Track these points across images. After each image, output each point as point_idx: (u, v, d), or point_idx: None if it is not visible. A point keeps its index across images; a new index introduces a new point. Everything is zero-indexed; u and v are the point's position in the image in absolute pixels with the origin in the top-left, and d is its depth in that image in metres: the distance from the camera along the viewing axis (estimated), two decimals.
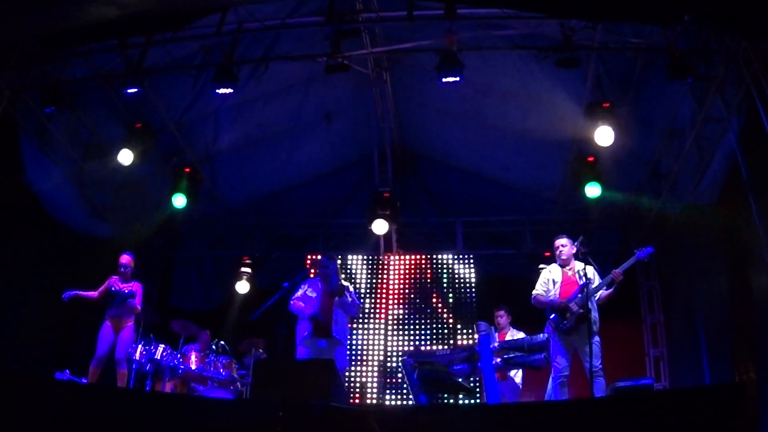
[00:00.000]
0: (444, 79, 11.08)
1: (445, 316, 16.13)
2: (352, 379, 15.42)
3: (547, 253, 12.80)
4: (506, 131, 14.89)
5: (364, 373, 15.61)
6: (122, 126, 12.94)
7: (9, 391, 7.30)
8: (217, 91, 11.51)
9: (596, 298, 9.54)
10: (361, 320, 15.91)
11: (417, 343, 15.86)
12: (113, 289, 11.48)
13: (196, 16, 10.78)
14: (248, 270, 16.70)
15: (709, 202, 11.81)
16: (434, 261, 16.74)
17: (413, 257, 16.87)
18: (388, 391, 15.39)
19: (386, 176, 15.52)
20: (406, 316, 16.27)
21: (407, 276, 16.74)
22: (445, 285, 16.45)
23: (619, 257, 10.00)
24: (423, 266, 16.74)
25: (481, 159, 16.29)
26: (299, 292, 11.03)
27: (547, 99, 13.29)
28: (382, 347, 15.92)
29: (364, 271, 16.82)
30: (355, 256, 16.86)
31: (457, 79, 11.04)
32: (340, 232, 17.54)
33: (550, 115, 13.65)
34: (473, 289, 16.25)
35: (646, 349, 15.10)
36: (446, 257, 16.73)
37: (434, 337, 15.89)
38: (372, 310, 16.17)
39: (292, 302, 10.95)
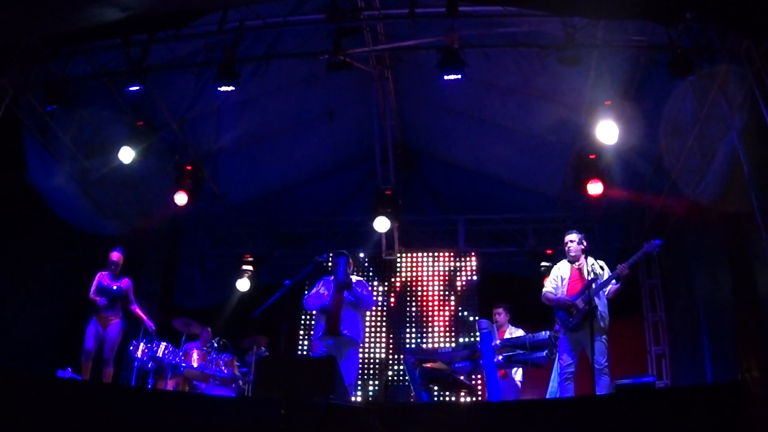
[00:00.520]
0: (446, 77, 11.08)
1: (447, 313, 16.13)
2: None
3: (549, 251, 12.84)
4: (508, 129, 14.90)
5: (366, 371, 15.61)
6: (125, 124, 12.93)
7: (13, 389, 7.31)
8: (219, 89, 11.51)
9: (606, 293, 9.54)
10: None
11: (419, 340, 15.87)
12: (102, 285, 11.53)
13: (199, 14, 10.78)
14: (250, 268, 16.70)
15: (711, 199, 11.80)
16: (436, 259, 16.74)
17: (415, 255, 16.87)
18: (390, 389, 15.39)
19: (388, 174, 15.52)
20: (408, 314, 16.27)
21: (409, 274, 16.75)
22: (447, 283, 16.46)
23: (621, 255, 10.01)
24: (425, 264, 16.73)
25: (483, 157, 16.29)
26: (314, 290, 11.07)
27: (549, 97, 13.31)
28: (384, 345, 15.93)
29: (367, 269, 16.82)
30: (357, 254, 16.84)
31: (459, 76, 11.05)
32: (342, 230, 17.53)
33: (552, 113, 13.66)
34: (475, 287, 16.26)
35: (648, 347, 15.10)
36: (448, 255, 16.73)
37: (436, 335, 15.89)
38: (374, 308, 16.16)
39: (305, 300, 11.03)
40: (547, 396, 10.64)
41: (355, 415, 7.21)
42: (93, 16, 8.77)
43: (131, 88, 11.84)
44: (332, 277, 11.05)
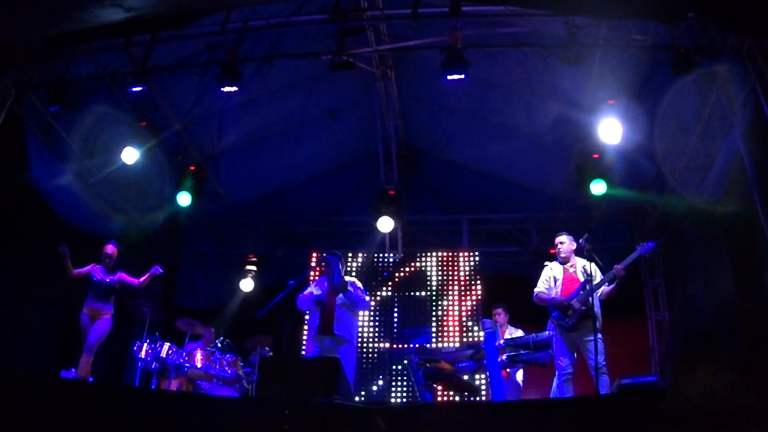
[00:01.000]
0: (449, 77, 11.08)
1: (450, 313, 16.13)
2: (358, 376, 15.45)
3: (553, 251, 12.84)
4: (511, 128, 14.92)
5: (369, 371, 15.60)
6: (127, 124, 12.94)
7: (17, 389, 7.33)
8: (222, 89, 11.50)
9: (598, 295, 9.56)
10: (366, 318, 15.91)
11: (422, 340, 15.86)
12: (95, 278, 11.54)
13: (201, 15, 10.80)
14: (253, 268, 16.69)
15: (713, 198, 11.80)
16: (439, 258, 16.73)
17: (418, 255, 16.87)
18: (393, 389, 15.39)
19: (391, 174, 15.53)
20: (412, 314, 16.27)
21: (412, 274, 16.75)
22: (449, 282, 16.44)
23: (624, 254, 9.98)
24: (427, 264, 16.73)
25: (486, 156, 16.29)
26: (306, 291, 11.09)
27: (552, 96, 13.32)
28: (387, 345, 15.93)
29: (369, 269, 16.81)
30: (359, 254, 16.85)
31: (462, 76, 11.04)
32: (344, 229, 17.56)
33: (554, 113, 13.67)
34: (478, 287, 16.25)
35: (651, 346, 15.09)
36: (451, 255, 16.72)
37: (439, 334, 15.89)
38: (377, 308, 16.16)
39: (298, 299, 11.02)
40: (550, 396, 10.65)
41: (358, 415, 7.22)
42: (95, 16, 8.80)
43: (134, 89, 11.85)
44: (325, 277, 11.08)
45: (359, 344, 15.19)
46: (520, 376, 11.73)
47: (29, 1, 8.52)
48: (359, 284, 11.32)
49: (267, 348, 12.95)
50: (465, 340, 15.48)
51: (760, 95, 9.43)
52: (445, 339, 15.78)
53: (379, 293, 16.29)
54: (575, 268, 9.93)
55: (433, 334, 15.82)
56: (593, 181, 13.11)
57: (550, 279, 10.07)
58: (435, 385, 11.22)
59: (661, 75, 11.36)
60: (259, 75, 12.62)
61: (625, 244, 15.22)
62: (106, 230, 14.34)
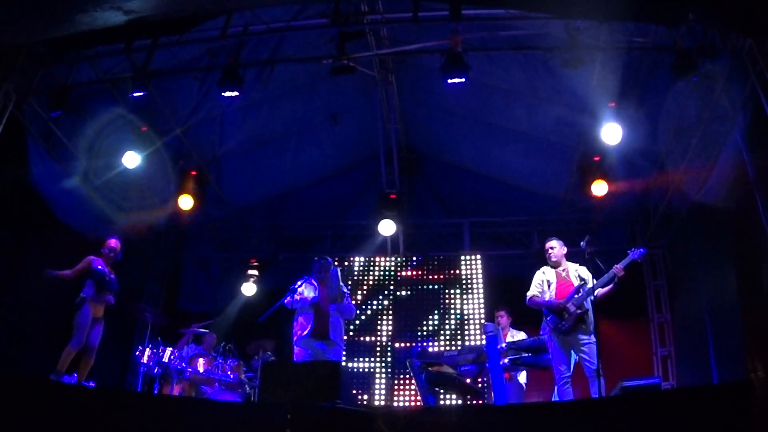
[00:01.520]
0: (449, 80, 11.07)
1: (452, 316, 16.12)
2: (361, 380, 15.45)
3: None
4: (512, 131, 14.92)
5: (372, 375, 15.60)
6: (128, 129, 12.94)
7: (18, 394, 7.33)
8: (223, 93, 11.49)
9: (593, 297, 9.55)
10: (369, 321, 15.92)
11: (425, 344, 15.85)
12: (98, 268, 11.31)
13: (202, 19, 10.80)
14: (255, 272, 16.69)
15: (715, 199, 11.81)
16: (441, 262, 16.73)
17: (420, 258, 16.86)
18: (395, 393, 15.38)
19: (393, 177, 15.54)
20: (414, 317, 16.26)
21: (415, 277, 16.74)
22: (452, 286, 16.44)
23: (626, 256, 10.00)
24: (430, 267, 16.72)
25: (488, 159, 16.31)
26: (298, 289, 11.09)
27: (553, 99, 13.33)
28: (389, 349, 15.92)
29: (372, 272, 16.81)
30: (362, 258, 16.85)
31: (463, 80, 11.04)
32: (347, 233, 17.56)
33: (556, 115, 13.69)
34: (481, 290, 16.23)
35: (653, 348, 15.08)
36: (453, 258, 16.72)
37: (442, 338, 15.88)
38: (380, 311, 16.16)
39: (289, 298, 11.01)
40: (553, 399, 10.65)
41: (361, 419, 7.22)
42: (95, 19, 8.78)
43: (135, 94, 11.86)
44: (316, 278, 11.12)
45: (360, 348, 15.23)
46: (523, 377, 11.73)
47: (29, 3, 8.51)
48: (346, 290, 11.41)
49: (269, 352, 12.93)
50: (467, 343, 15.45)
51: (761, 96, 9.43)
52: (447, 342, 15.77)
53: (380, 296, 16.28)
54: (568, 271, 9.96)
55: (435, 338, 15.80)
56: (595, 182, 13.11)
57: (543, 283, 10.10)
58: (437, 389, 11.19)
59: (662, 77, 11.36)
60: (260, 79, 12.62)
61: (626, 246, 15.19)
62: (107, 235, 14.35)
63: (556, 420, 7.06)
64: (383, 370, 15.59)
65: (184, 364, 12.35)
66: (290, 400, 7.28)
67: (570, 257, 10.24)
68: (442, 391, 11.87)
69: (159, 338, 12.64)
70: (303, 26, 11.96)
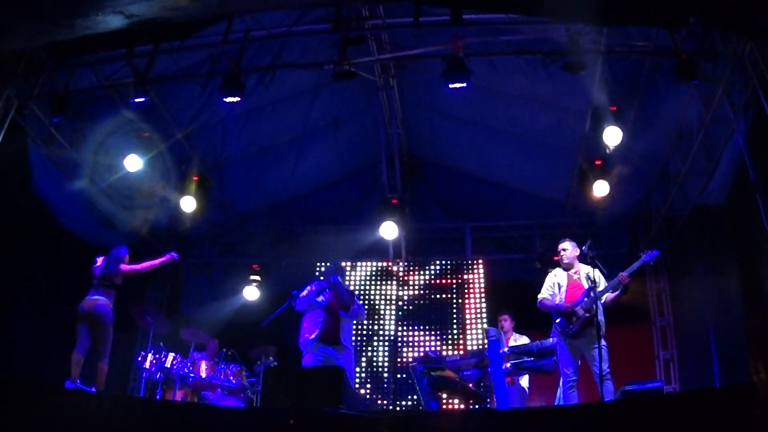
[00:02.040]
0: (451, 85, 11.05)
1: (454, 321, 16.12)
2: (363, 384, 15.45)
3: (557, 257, 12.81)
4: (514, 136, 14.92)
5: (374, 379, 15.59)
6: (130, 134, 12.94)
7: (20, 399, 7.33)
8: (225, 99, 11.48)
9: (602, 301, 9.54)
10: (371, 326, 15.93)
11: (427, 348, 15.85)
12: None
13: (203, 24, 10.81)
14: (258, 277, 16.69)
15: (717, 203, 11.82)
16: (443, 266, 16.73)
17: (422, 263, 16.87)
18: (398, 397, 15.38)
19: (395, 182, 15.53)
20: (416, 322, 16.27)
21: (417, 281, 16.75)
22: (454, 290, 16.45)
23: (628, 260, 10.00)
24: (432, 272, 16.73)
25: (490, 164, 16.31)
26: (304, 292, 11.11)
27: (554, 103, 13.33)
28: (391, 353, 15.92)
29: (374, 277, 16.82)
30: (364, 263, 16.85)
31: (464, 84, 11.02)
32: (349, 238, 17.56)
33: (557, 119, 13.70)
34: (483, 294, 16.24)
35: (655, 352, 15.08)
36: (455, 262, 16.72)
37: (444, 342, 15.88)
38: (382, 316, 16.16)
39: (296, 302, 11.06)
40: (556, 403, 10.63)
41: (363, 424, 7.22)
42: (96, 23, 8.80)
43: (137, 99, 11.85)
44: (326, 283, 11.14)
45: (362, 352, 15.24)
46: (525, 381, 11.74)
47: (31, 8, 8.53)
48: (355, 297, 11.43)
49: (271, 357, 12.94)
50: (469, 347, 15.45)
51: (762, 99, 9.43)
52: (450, 347, 15.77)
53: (383, 301, 16.28)
54: (579, 274, 9.92)
55: (438, 342, 15.80)
56: (596, 182, 13.11)
57: (554, 285, 10.06)
58: (440, 393, 11.19)
59: (663, 80, 11.37)
60: (262, 85, 12.62)
61: (629, 250, 15.21)
62: (109, 239, 14.36)
63: (559, 424, 7.06)
64: (386, 374, 15.59)
65: (186, 370, 12.36)
66: (293, 406, 7.28)
67: None
68: (444, 395, 11.87)
69: (161, 343, 12.65)
70: (304, 31, 11.95)
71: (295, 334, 11.20)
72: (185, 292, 17.54)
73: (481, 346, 15.07)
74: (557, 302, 9.81)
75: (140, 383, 12.73)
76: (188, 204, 14.22)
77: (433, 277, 16.68)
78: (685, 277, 14.11)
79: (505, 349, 10.94)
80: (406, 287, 16.71)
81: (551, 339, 10.24)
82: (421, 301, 16.53)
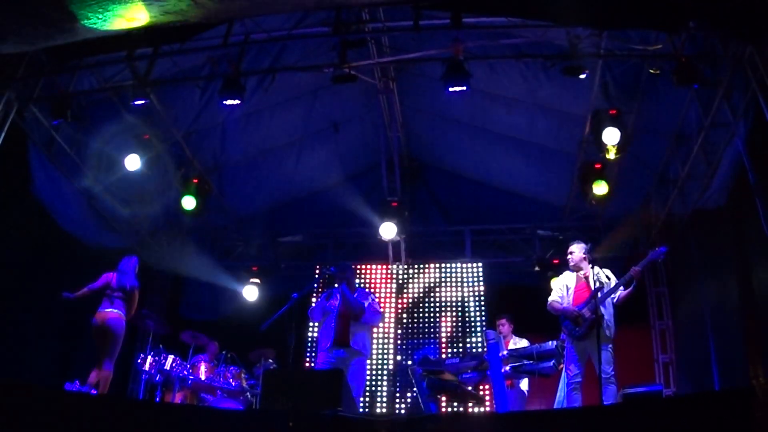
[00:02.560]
0: (451, 89, 11.03)
1: (454, 324, 16.13)
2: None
3: (556, 261, 12.85)
4: (513, 139, 14.93)
5: (373, 382, 15.59)
6: (130, 137, 12.94)
7: (22, 402, 7.33)
8: (225, 102, 11.47)
9: (614, 300, 9.54)
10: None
11: (426, 351, 15.83)
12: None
13: (203, 28, 10.81)
14: (257, 280, 16.70)
15: (716, 206, 11.81)
16: (443, 269, 16.74)
17: (422, 266, 16.88)
18: (397, 400, 15.38)
19: (394, 185, 15.52)
20: (416, 325, 16.27)
21: (416, 285, 16.75)
22: (453, 293, 16.45)
23: (627, 263, 10.02)
24: (432, 275, 16.74)
25: (489, 167, 16.32)
26: (319, 301, 11.20)
27: (554, 106, 13.34)
28: (391, 356, 15.92)
29: (373, 281, 16.82)
30: (363, 266, 16.86)
31: (464, 88, 11.01)
32: (348, 241, 17.56)
33: (557, 123, 13.71)
34: (482, 298, 16.25)
35: (654, 355, 15.09)
36: (455, 266, 16.73)
37: (443, 345, 15.88)
38: (382, 319, 16.18)
39: (310, 310, 11.20)
40: (555, 406, 10.64)
41: (362, 427, 7.23)
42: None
43: (137, 102, 11.85)
44: (337, 289, 11.13)
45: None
46: (525, 384, 11.73)
47: (32, 12, 8.53)
48: (371, 299, 11.40)
49: (271, 360, 12.94)
50: (469, 351, 15.45)
51: (761, 102, 9.43)
52: (449, 350, 15.77)
53: (383, 305, 16.27)
54: (588, 276, 9.91)
55: (437, 345, 15.80)
56: (595, 182, 13.11)
57: (563, 287, 10.06)
58: (439, 396, 11.20)
59: (663, 84, 11.37)
60: (262, 88, 12.63)
61: (629, 252, 15.22)
62: (109, 243, 14.38)
63: (558, 427, 7.06)
64: (385, 377, 15.59)
65: (185, 372, 12.37)
66: (292, 408, 7.28)
67: None
68: (443, 398, 11.88)
69: (160, 346, 12.66)
70: (304, 35, 11.96)
71: (294, 337, 11.22)
72: (184, 295, 17.53)
73: (480, 349, 15.08)
74: (565, 305, 9.81)
75: (140, 385, 12.73)
76: (188, 207, 14.21)
77: (432, 280, 16.68)
78: (684, 281, 14.11)
79: (505, 352, 10.95)
80: (405, 290, 16.71)
81: (551, 342, 10.26)
82: (421, 304, 16.52)
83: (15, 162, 11.90)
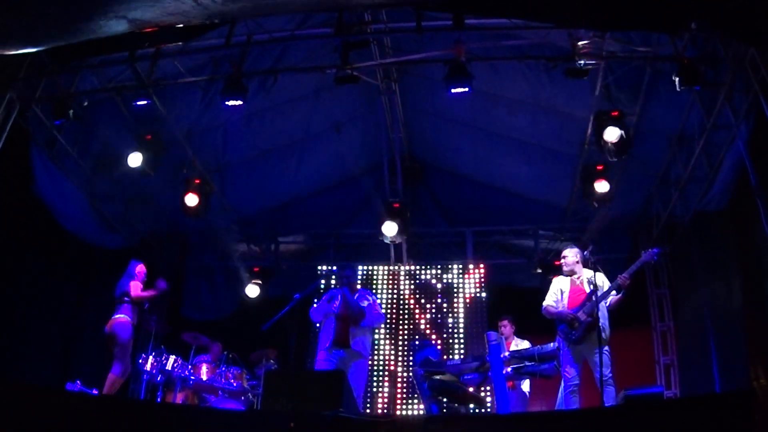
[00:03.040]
0: (453, 90, 11.02)
1: (455, 325, 16.13)
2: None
3: (558, 262, 12.84)
4: (516, 140, 14.91)
5: (375, 384, 15.59)
6: (132, 138, 12.94)
7: (23, 402, 7.34)
8: (227, 103, 11.47)
9: (607, 305, 9.55)
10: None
11: (427, 353, 15.82)
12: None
13: (205, 28, 10.81)
14: (259, 281, 16.70)
15: (718, 208, 11.82)
16: (444, 271, 16.74)
17: (424, 267, 16.88)
18: (398, 402, 15.38)
19: (396, 186, 15.50)
20: (417, 326, 16.27)
21: (418, 286, 16.75)
22: (455, 295, 16.45)
23: (628, 265, 10.01)
24: (433, 276, 16.74)
25: (491, 168, 16.31)
26: (320, 302, 11.22)
27: (556, 108, 13.33)
28: (392, 357, 15.92)
29: (375, 282, 16.82)
30: (365, 267, 16.86)
31: (466, 89, 11.00)
32: (350, 242, 17.58)
33: (559, 124, 13.69)
34: (483, 299, 16.25)
35: (656, 357, 15.08)
36: (456, 267, 16.73)
37: (445, 346, 15.88)
38: (384, 321, 16.17)
39: (311, 311, 11.22)
40: (556, 407, 10.64)
41: (363, 427, 7.23)
42: (100, 27, 8.79)
43: (139, 103, 11.86)
44: (339, 290, 11.15)
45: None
46: (526, 386, 11.73)
47: (35, 13, 8.53)
48: (371, 299, 11.43)
49: (272, 361, 12.94)
50: (470, 352, 15.45)
51: (763, 104, 9.43)
52: (451, 351, 15.76)
53: (384, 306, 16.27)
54: (582, 279, 9.92)
55: (439, 347, 15.79)
56: (597, 181, 13.13)
57: (557, 291, 10.08)
58: (440, 398, 11.19)
59: (664, 86, 11.37)
60: (264, 88, 12.62)
61: (629, 254, 15.20)
62: (111, 243, 14.40)
63: (559, 429, 7.07)
64: (386, 378, 15.60)
65: (187, 372, 12.37)
66: (293, 409, 7.29)
67: None
68: (445, 399, 11.88)
69: (162, 346, 12.66)
70: (306, 36, 11.97)
71: (296, 337, 11.23)
72: (186, 295, 17.52)
73: (481, 351, 15.07)
74: (560, 308, 9.81)
75: (141, 385, 12.73)
76: (190, 207, 14.20)
77: (434, 281, 16.68)
78: (685, 283, 14.10)
79: (506, 354, 10.95)
80: (407, 291, 16.71)
81: (552, 344, 10.26)
82: (422, 305, 16.52)
83: (17, 162, 11.90)
